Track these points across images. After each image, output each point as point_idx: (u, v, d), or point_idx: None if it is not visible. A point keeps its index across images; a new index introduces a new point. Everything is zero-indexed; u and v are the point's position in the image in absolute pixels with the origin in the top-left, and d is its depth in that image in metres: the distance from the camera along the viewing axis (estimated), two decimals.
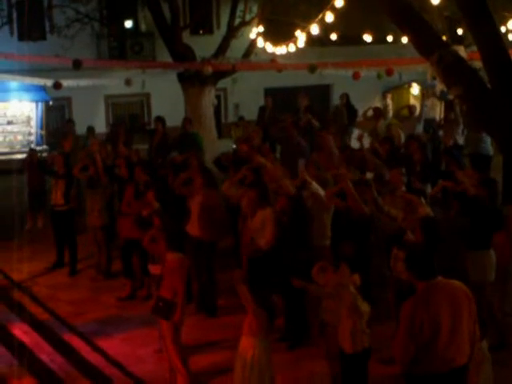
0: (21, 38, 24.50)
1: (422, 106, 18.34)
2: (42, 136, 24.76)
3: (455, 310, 5.67)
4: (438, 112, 21.53)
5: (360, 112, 19.49)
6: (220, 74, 20.56)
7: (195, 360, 8.47)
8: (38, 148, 21.22)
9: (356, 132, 16.89)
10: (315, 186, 9.77)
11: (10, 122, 24.99)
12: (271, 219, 9.35)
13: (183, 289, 7.89)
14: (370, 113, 17.96)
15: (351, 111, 19.63)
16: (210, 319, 10.07)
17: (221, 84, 22.25)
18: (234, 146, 16.60)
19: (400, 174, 10.19)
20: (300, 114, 18.47)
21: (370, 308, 7.06)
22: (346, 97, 19.82)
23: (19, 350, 8.93)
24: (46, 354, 9.07)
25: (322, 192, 9.75)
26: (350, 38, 22.14)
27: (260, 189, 9.77)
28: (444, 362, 5.67)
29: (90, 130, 18.07)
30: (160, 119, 16.73)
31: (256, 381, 6.93)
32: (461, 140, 16.31)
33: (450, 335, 5.63)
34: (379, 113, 17.70)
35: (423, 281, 5.72)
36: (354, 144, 16.03)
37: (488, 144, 15.50)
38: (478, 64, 9.77)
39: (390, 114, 26.41)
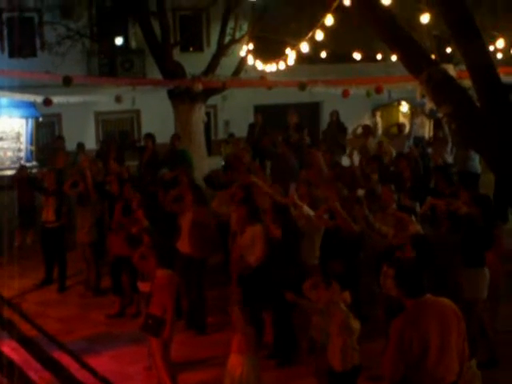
0: (11, 54, 24.47)
1: (412, 124, 18.41)
2: (31, 152, 24.71)
3: (444, 328, 5.67)
4: (427, 130, 21.62)
5: (349, 130, 19.57)
6: (210, 91, 20.62)
7: (184, 377, 8.44)
8: (28, 164, 21.20)
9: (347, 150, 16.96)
10: (306, 209, 9.76)
11: None
12: (261, 236, 9.35)
13: (172, 306, 7.88)
14: (360, 130, 18.05)
15: (341, 129, 19.68)
16: (199, 336, 10.04)
17: (211, 101, 22.31)
18: (224, 163, 16.61)
19: (391, 191, 10.23)
20: (289, 132, 18.52)
21: (360, 325, 7.07)
22: (336, 114, 19.87)
23: (8, 367, 8.88)
24: (35, 371, 9.03)
25: (312, 213, 9.75)
26: (340, 56, 22.25)
27: (249, 206, 9.79)
28: (433, 381, 5.66)
29: (80, 146, 18.07)
30: (150, 136, 16.73)
31: None
32: (450, 158, 16.40)
33: (439, 353, 5.63)
34: (368, 130, 17.79)
35: (412, 298, 5.73)
36: (344, 161, 16.08)
37: (476, 162, 15.59)
38: (467, 83, 9.81)
39: (380, 131, 26.49)
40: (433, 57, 11.81)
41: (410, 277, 5.81)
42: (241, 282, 9.34)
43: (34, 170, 21.05)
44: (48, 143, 24.65)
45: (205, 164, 19.55)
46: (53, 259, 12.58)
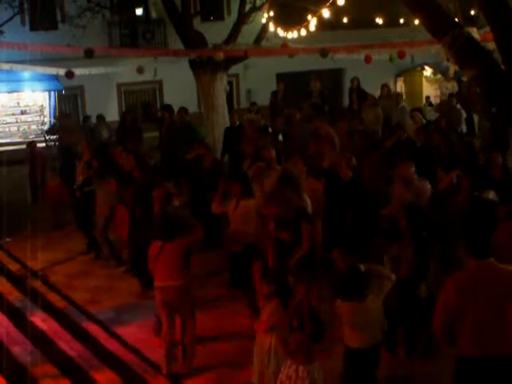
0: (32, 27, 24.56)
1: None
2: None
3: (502, 294, 5.48)
4: None
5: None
6: (232, 60, 20.50)
7: (214, 348, 8.52)
8: (52, 137, 21.34)
9: None
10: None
11: (23, 112, 25.15)
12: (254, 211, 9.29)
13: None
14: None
15: (361, 95, 19.52)
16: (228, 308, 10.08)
17: (233, 70, 22.18)
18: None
19: (410, 168, 10.03)
20: (313, 99, 18.43)
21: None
22: (357, 81, 19.72)
23: (38, 337, 9.01)
24: (65, 341, 9.14)
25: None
26: (362, 22, 22.10)
27: (242, 181, 9.79)
28: (493, 346, 5.48)
29: (100, 118, 18.13)
30: (165, 108, 16.51)
31: (273, 371, 6.91)
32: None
33: (495, 318, 5.45)
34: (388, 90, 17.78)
35: (475, 259, 5.58)
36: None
37: None
38: (491, 45, 9.70)
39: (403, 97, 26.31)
40: (456, 20, 11.66)
41: (477, 238, 5.67)
42: (233, 258, 9.42)
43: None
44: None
45: None
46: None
